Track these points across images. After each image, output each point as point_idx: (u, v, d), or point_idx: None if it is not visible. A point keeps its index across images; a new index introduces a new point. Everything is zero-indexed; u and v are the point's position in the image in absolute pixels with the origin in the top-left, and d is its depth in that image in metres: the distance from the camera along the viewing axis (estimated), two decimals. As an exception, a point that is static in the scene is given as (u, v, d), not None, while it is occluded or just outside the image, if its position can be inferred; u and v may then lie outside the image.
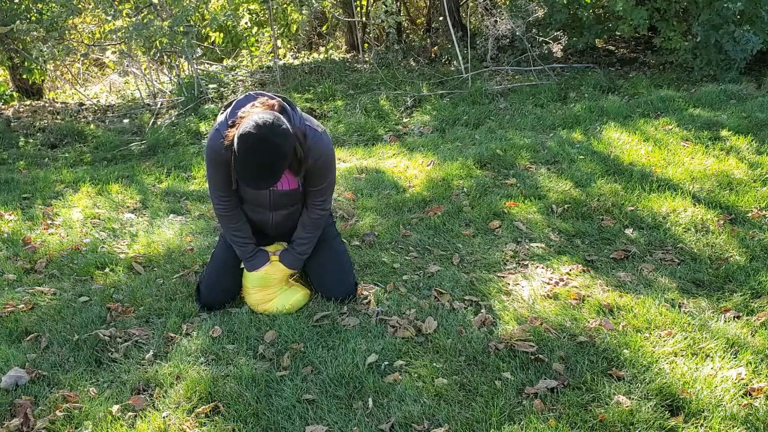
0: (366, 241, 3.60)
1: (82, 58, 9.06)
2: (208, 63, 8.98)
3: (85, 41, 7.97)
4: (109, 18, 6.78)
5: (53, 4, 6.84)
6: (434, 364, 2.49)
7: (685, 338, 2.57)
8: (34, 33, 6.96)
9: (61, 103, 8.66)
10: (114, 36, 7.22)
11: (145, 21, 6.62)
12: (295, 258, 2.94)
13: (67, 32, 7.48)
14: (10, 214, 4.23)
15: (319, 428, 2.19)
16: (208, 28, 8.76)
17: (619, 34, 7.55)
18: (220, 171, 2.69)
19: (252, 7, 8.61)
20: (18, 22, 6.82)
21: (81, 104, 8.43)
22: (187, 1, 7.00)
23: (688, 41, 7.10)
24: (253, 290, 2.92)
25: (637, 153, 4.75)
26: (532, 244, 3.51)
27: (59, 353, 2.65)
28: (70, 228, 4.01)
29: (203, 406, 2.30)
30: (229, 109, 2.63)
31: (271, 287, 2.92)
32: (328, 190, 2.82)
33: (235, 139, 2.42)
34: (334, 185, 2.88)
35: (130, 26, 6.56)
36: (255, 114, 2.44)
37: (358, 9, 8.92)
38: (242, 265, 2.94)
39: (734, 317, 2.75)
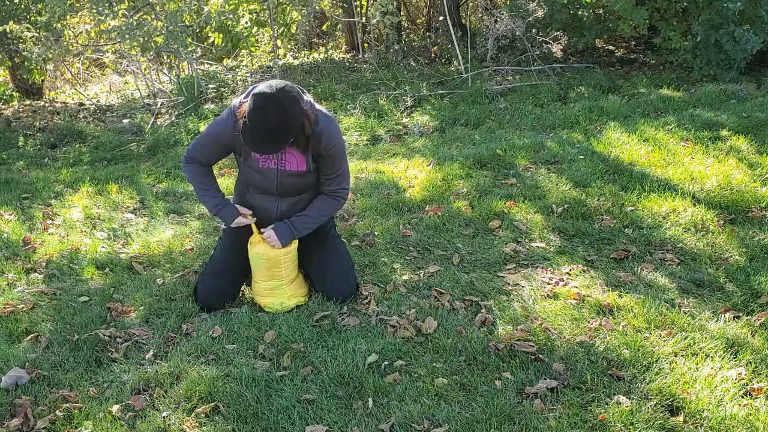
0: (366, 241, 3.59)
1: (77, 58, 9.06)
2: (208, 63, 8.98)
3: (81, 41, 7.97)
4: (103, 18, 6.77)
5: (51, 5, 6.84)
6: (434, 364, 2.49)
7: (685, 338, 2.57)
8: (27, 33, 6.95)
9: (61, 103, 8.66)
10: (109, 36, 7.22)
11: (140, 20, 6.62)
12: (287, 229, 2.83)
13: (64, 32, 7.48)
14: (10, 214, 4.23)
15: (319, 428, 2.19)
16: (207, 28, 8.76)
17: (619, 33, 7.55)
18: (214, 143, 2.81)
19: (252, 6, 8.62)
20: (11, 22, 6.81)
21: (81, 104, 8.43)
22: (183, 2, 7.00)
23: (688, 41, 7.11)
24: (259, 279, 2.92)
25: (637, 153, 4.75)
26: (532, 244, 3.51)
27: (59, 353, 2.65)
28: (70, 228, 4.01)
29: (203, 406, 2.30)
30: (243, 94, 2.73)
31: (277, 275, 2.88)
32: (345, 177, 2.88)
33: (247, 103, 2.55)
34: (349, 171, 2.92)
35: (123, 26, 6.56)
36: (269, 80, 2.61)
37: (358, 9, 8.92)
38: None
39: (734, 317, 2.75)
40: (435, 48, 8.76)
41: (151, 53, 7.42)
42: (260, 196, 2.88)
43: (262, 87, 2.54)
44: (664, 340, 2.58)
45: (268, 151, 2.64)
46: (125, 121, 7.31)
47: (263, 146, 2.59)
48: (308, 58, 9.58)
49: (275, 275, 2.89)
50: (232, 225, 2.87)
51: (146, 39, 6.67)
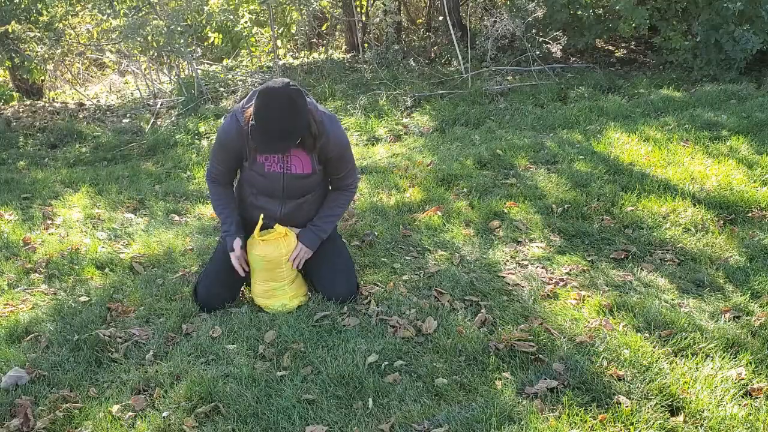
0: (366, 241, 3.59)
1: (78, 58, 9.07)
2: (207, 63, 8.97)
3: (82, 41, 7.97)
4: (105, 17, 6.79)
5: (54, 4, 6.85)
6: (434, 364, 2.49)
7: (685, 338, 2.57)
8: (29, 33, 6.97)
9: (61, 103, 8.66)
10: (111, 36, 7.24)
11: (142, 20, 6.63)
12: (314, 236, 2.89)
13: (65, 32, 7.48)
14: (10, 214, 4.23)
15: (319, 428, 2.19)
16: (207, 29, 8.76)
17: (619, 34, 7.55)
18: (225, 152, 2.81)
19: (252, 7, 8.62)
20: (13, 22, 6.82)
21: (81, 104, 8.43)
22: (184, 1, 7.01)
23: (688, 41, 7.11)
24: (259, 280, 2.91)
25: (637, 153, 4.75)
26: (532, 244, 3.51)
27: (59, 353, 2.65)
28: (70, 228, 4.01)
29: (203, 406, 2.30)
30: (246, 97, 2.75)
31: (278, 276, 2.88)
32: (352, 172, 2.94)
33: (254, 103, 2.55)
34: (356, 165, 2.98)
35: (125, 26, 6.57)
36: (272, 79, 2.64)
37: (358, 9, 8.92)
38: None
39: (734, 317, 2.75)
40: (435, 48, 8.76)
41: (152, 53, 7.42)
42: (264, 198, 2.88)
43: (268, 84, 2.55)
44: (664, 340, 2.58)
45: (277, 150, 2.63)
46: (125, 121, 7.31)
47: (273, 144, 2.58)
48: (308, 58, 9.59)
49: (276, 276, 2.88)
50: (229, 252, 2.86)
51: (148, 39, 6.68)
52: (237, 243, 2.83)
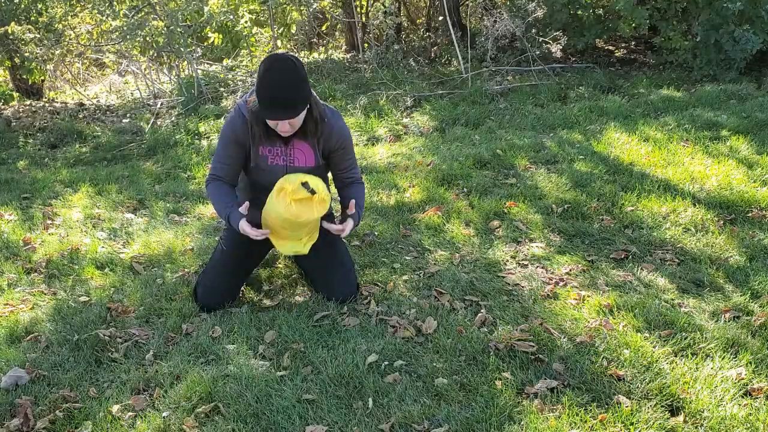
0: (366, 241, 3.59)
1: (78, 58, 9.08)
2: (207, 63, 8.97)
3: (82, 41, 7.98)
4: (105, 18, 6.80)
5: (54, 5, 6.87)
6: (434, 364, 2.49)
7: (685, 338, 2.57)
8: (29, 35, 6.99)
9: (61, 103, 8.66)
10: (110, 36, 7.25)
11: (141, 20, 6.64)
12: (351, 223, 2.81)
13: (65, 32, 7.49)
14: (10, 214, 4.23)
15: (319, 428, 2.19)
16: (207, 29, 8.77)
17: (619, 33, 7.56)
18: (230, 147, 2.79)
19: (252, 7, 8.62)
20: (13, 23, 6.83)
21: (81, 104, 8.43)
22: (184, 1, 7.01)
23: (688, 41, 7.11)
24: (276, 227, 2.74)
25: (637, 153, 4.75)
26: (532, 244, 3.51)
27: (59, 353, 2.65)
28: (69, 228, 4.01)
29: (203, 406, 2.30)
30: (247, 93, 2.76)
31: (297, 234, 2.76)
32: (356, 162, 2.99)
33: (257, 73, 2.57)
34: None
35: (124, 26, 6.58)
36: None
37: (358, 9, 8.92)
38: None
39: (734, 317, 2.75)
40: (435, 48, 8.76)
41: (152, 53, 7.43)
42: (266, 196, 2.87)
43: (270, 54, 2.56)
44: (664, 340, 2.58)
45: (281, 115, 2.55)
46: (125, 121, 7.31)
47: (278, 107, 2.53)
48: (308, 58, 9.58)
49: (296, 233, 2.76)
50: (240, 231, 2.72)
51: (147, 39, 6.69)
52: (245, 210, 2.71)
